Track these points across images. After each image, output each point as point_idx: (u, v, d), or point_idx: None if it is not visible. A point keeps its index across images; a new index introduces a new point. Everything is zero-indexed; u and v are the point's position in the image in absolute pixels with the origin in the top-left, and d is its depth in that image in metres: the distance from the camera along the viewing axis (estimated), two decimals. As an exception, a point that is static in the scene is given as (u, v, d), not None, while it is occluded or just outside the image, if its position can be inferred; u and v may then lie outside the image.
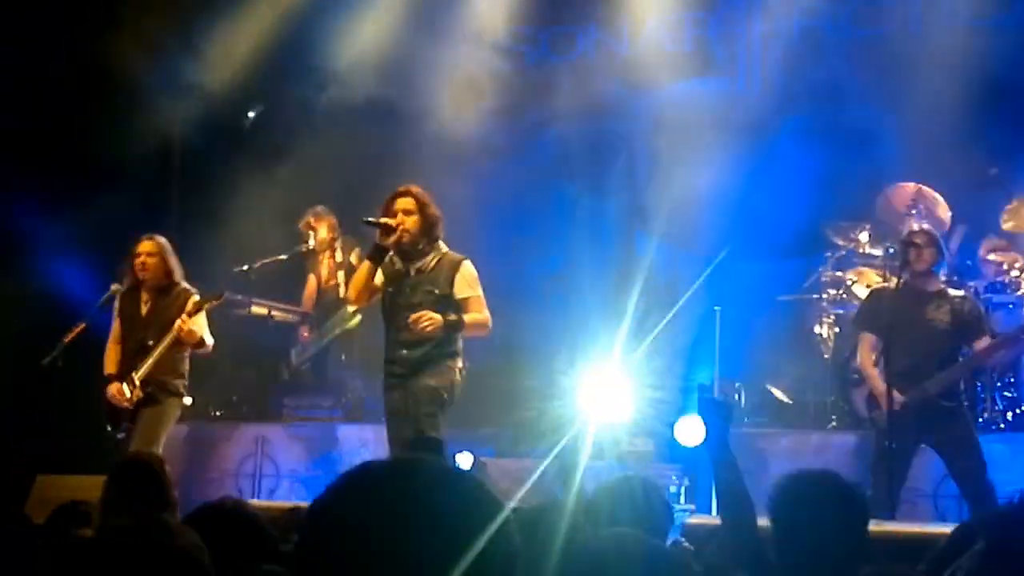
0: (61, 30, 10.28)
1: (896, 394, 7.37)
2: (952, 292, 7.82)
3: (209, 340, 8.05)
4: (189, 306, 7.88)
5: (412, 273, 7.10)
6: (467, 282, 7.12)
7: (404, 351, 7.05)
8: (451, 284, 7.08)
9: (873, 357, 7.69)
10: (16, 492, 7.57)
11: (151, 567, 2.70)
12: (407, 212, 7.05)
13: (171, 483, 5.38)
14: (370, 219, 7.10)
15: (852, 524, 3.70)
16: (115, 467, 5.60)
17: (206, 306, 7.92)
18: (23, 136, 10.26)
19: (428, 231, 7.09)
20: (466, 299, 7.11)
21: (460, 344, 7.15)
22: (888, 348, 7.48)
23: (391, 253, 7.10)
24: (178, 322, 7.81)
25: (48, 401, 8.89)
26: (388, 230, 6.94)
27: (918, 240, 7.73)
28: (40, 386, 8.63)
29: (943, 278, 7.98)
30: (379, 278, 7.17)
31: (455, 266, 7.12)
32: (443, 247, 7.18)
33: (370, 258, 7.13)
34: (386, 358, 7.19)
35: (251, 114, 11.36)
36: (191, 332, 7.84)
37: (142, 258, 8.10)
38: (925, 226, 8.14)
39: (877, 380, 7.58)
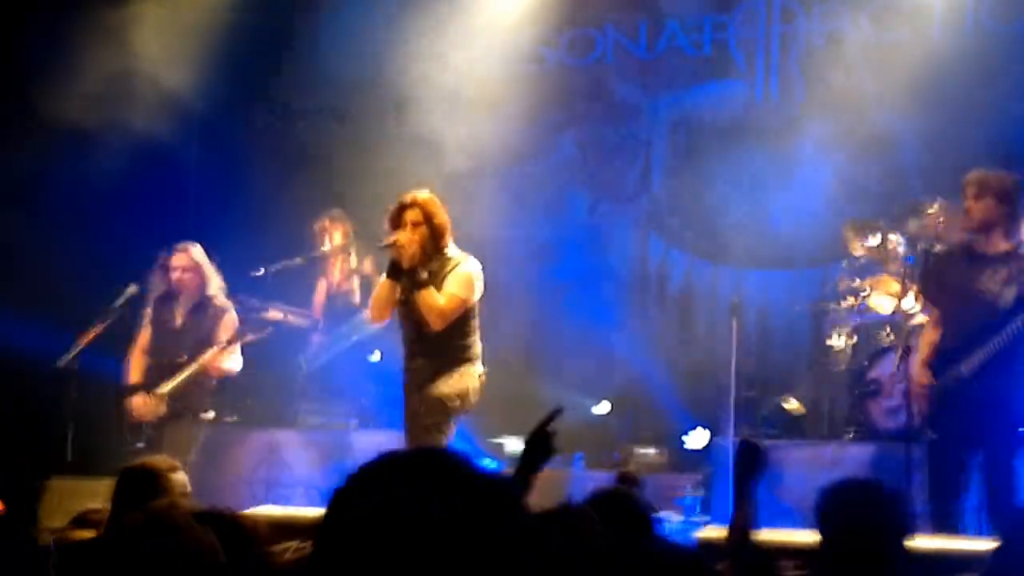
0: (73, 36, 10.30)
1: (923, 379, 6.64)
2: (1021, 254, 6.59)
3: (236, 368, 8.00)
4: (231, 334, 7.86)
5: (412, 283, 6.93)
6: (451, 281, 6.89)
7: (420, 359, 6.97)
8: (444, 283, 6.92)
9: (935, 336, 6.78)
10: (29, 494, 7.58)
11: (163, 564, 2.68)
12: (415, 224, 6.88)
13: (175, 489, 5.35)
14: (384, 243, 6.96)
15: (894, 535, 3.70)
16: (120, 473, 5.59)
17: (246, 339, 7.93)
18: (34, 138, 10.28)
19: (435, 242, 6.94)
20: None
21: (477, 348, 7.06)
22: (939, 324, 6.65)
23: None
24: (210, 354, 7.74)
25: (63, 402, 8.89)
26: (400, 248, 6.78)
27: (969, 189, 6.64)
28: (55, 387, 8.63)
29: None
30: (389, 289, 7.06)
31: (453, 267, 6.96)
32: (450, 253, 7.01)
33: (389, 276, 6.98)
34: (403, 366, 7.13)
35: None
36: (218, 368, 7.79)
37: (177, 274, 8.03)
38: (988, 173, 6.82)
39: (919, 359, 6.73)
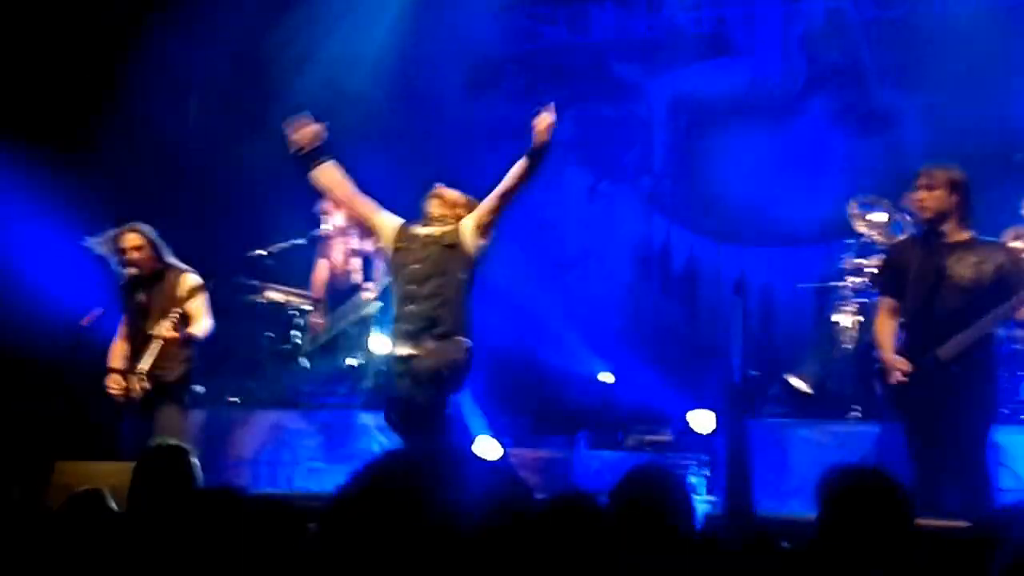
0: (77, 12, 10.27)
1: (901, 364, 6.63)
2: (983, 241, 6.74)
3: (200, 330, 7.87)
4: (181, 294, 7.77)
5: (422, 235, 7.16)
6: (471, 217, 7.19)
7: (412, 306, 7.04)
8: (457, 234, 7.12)
9: (891, 324, 6.86)
10: (36, 478, 7.54)
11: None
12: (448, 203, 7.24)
13: (195, 472, 5.36)
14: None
15: (897, 520, 3.66)
16: (142, 456, 5.58)
17: (195, 296, 7.81)
18: (33, 120, 10.23)
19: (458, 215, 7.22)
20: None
21: (470, 316, 7.10)
22: (907, 312, 6.69)
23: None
24: (158, 328, 7.66)
25: (67, 386, 8.86)
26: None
27: (920, 181, 6.76)
28: (59, 370, 8.60)
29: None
30: (390, 233, 7.27)
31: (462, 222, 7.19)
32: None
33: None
34: (394, 316, 7.19)
35: None
36: (172, 338, 7.66)
37: (129, 254, 7.99)
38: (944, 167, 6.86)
39: (885, 346, 6.77)
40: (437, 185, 7.33)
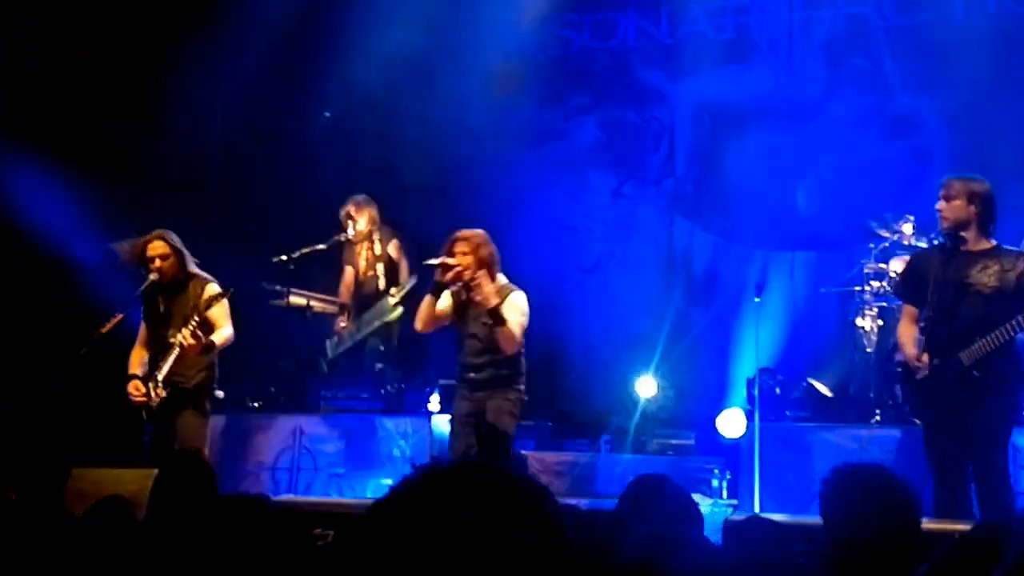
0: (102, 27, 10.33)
1: (922, 362, 6.65)
2: (1006, 250, 6.74)
3: (221, 338, 7.87)
4: (201, 302, 7.78)
5: (473, 305, 7.52)
6: (512, 310, 7.45)
7: (472, 374, 7.53)
8: (505, 308, 7.45)
9: (913, 330, 6.85)
10: (52, 485, 7.56)
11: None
12: (463, 255, 7.47)
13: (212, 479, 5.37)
14: (429, 262, 7.55)
15: (903, 520, 3.62)
16: (165, 462, 5.61)
17: (215, 304, 7.82)
18: (60, 129, 10.28)
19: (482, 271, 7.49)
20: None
21: (523, 366, 7.58)
22: (927, 318, 6.68)
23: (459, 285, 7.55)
24: (179, 337, 7.70)
25: (85, 392, 8.88)
26: (446, 269, 7.40)
27: (943, 191, 6.76)
28: (77, 377, 8.61)
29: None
30: (447, 305, 7.61)
31: (506, 295, 7.49)
32: (500, 281, 7.55)
33: (431, 293, 7.55)
34: (457, 377, 7.71)
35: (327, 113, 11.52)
36: (192, 346, 7.71)
37: (157, 263, 8.00)
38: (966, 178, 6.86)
39: (908, 347, 6.80)
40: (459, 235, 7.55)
